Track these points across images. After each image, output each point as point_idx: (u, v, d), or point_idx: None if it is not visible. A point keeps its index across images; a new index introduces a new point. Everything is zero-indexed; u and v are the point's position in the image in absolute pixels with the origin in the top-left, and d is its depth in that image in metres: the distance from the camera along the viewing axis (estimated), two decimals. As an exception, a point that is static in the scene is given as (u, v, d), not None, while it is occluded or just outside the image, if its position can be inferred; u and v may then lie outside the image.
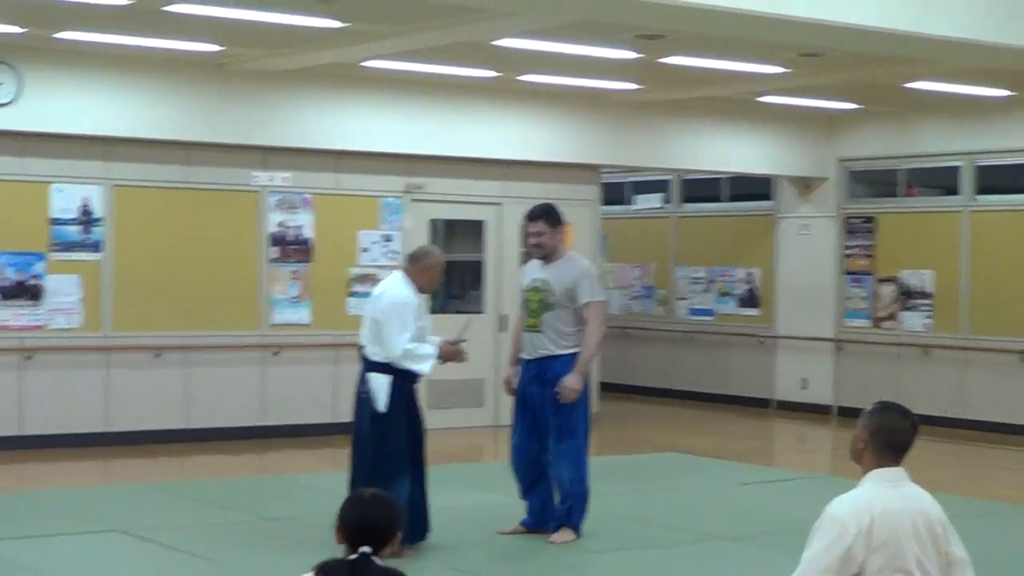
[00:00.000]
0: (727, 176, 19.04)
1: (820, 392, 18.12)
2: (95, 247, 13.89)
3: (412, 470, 9.07)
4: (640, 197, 20.42)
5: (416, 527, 9.00)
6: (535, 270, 9.67)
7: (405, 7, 10.70)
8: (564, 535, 9.39)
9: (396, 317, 8.97)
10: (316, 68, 13.97)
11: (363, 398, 9.15)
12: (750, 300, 18.97)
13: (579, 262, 9.74)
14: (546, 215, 9.62)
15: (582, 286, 9.45)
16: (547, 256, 9.57)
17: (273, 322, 14.76)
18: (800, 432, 17.31)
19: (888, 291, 17.50)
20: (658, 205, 20.14)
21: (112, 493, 11.64)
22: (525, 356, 9.63)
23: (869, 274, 17.75)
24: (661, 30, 11.41)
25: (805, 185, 18.36)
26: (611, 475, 12.79)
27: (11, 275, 13.49)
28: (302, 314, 14.85)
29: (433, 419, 15.26)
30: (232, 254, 14.60)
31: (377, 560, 4.28)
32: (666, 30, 11.40)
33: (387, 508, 4.39)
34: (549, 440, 9.48)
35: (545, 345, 9.48)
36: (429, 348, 9.09)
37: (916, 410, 16.32)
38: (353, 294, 15.13)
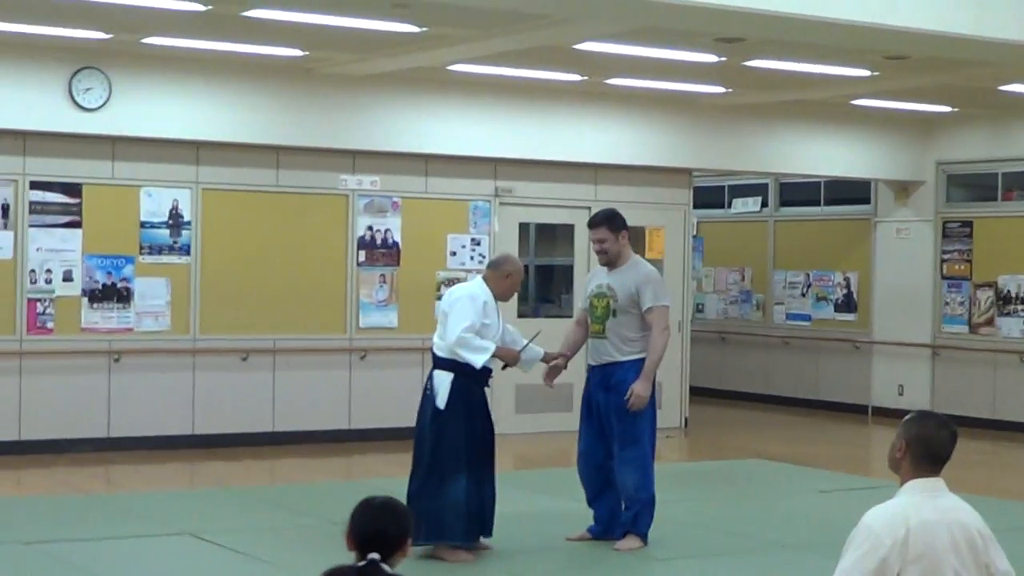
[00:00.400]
0: (825, 180, 18.85)
1: (917, 399, 17.85)
2: (184, 250, 14.03)
3: (473, 469, 9.06)
4: (738, 201, 20.28)
5: (472, 525, 9.03)
6: (600, 276, 9.63)
7: (480, 12, 10.68)
8: (630, 542, 9.34)
9: (461, 308, 9.09)
10: (403, 72, 14.00)
11: (427, 395, 9.24)
12: (847, 305, 18.76)
13: (643, 267, 9.70)
14: (607, 221, 9.58)
15: (645, 291, 9.40)
16: (611, 262, 9.53)
17: (361, 326, 14.82)
18: (888, 439, 16.99)
19: (985, 296, 17.24)
20: (756, 209, 19.99)
21: (192, 497, 11.74)
22: (590, 362, 9.61)
23: (967, 279, 17.48)
24: (740, 34, 11.32)
25: (902, 189, 18.13)
26: (689, 481, 12.75)
27: (101, 278, 13.66)
28: (390, 318, 14.90)
29: (522, 423, 15.45)
30: (320, 258, 14.69)
31: (386, 567, 4.26)
32: (745, 34, 11.31)
33: (397, 515, 4.37)
34: (614, 448, 9.43)
35: (609, 352, 9.44)
36: (488, 343, 9.08)
37: (1012, 418, 16.16)
38: (441, 298, 15.07)
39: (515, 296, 15.33)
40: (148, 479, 12.68)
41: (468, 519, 8.99)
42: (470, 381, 9.16)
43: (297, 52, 13.10)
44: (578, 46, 12.31)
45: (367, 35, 12.02)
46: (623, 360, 9.43)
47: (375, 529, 4.30)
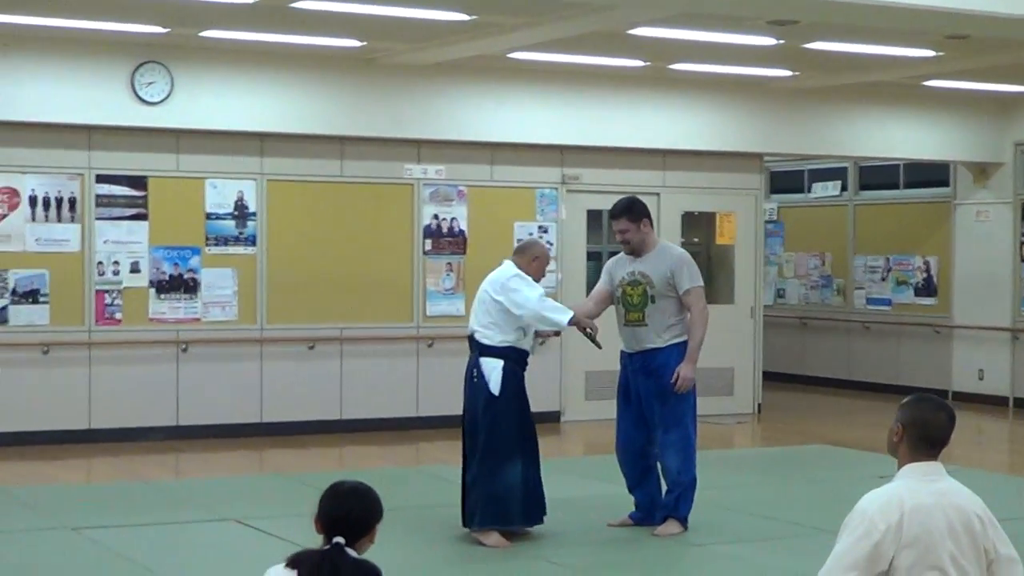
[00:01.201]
0: (904, 163, 18.64)
1: (997, 383, 17.66)
2: (250, 241, 14.15)
3: (526, 453, 9.16)
4: (818, 185, 20.11)
5: (531, 510, 9.16)
6: (628, 263, 9.55)
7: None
8: (670, 527, 9.32)
9: (521, 282, 9.18)
10: (465, 60, 14.03)
11: (475, 383, 9.23)
12: (927, 289, 18.55)
13: (673, 250, 9.71)
14: (627, 211, 9.50)
15: (681, 273, 9.37)
16: (636, 251, 9.47)
17: (428, 314, 14.88)
18: (973, 424, 16.86)
19: (1065, 279, 17.00)
20: (835, 193, 19.81)
21: (250, 483, 11.86)
22: (627, 350, 9.56)
23: (1048, 261, 17.25)
24: (789, 17, 11.24)
25: (981, 171, 17.89)
26: (746, 467, 12.72)
27: (168, 269, 13.82)
28: (456, 306, 14.93)
29: (591, 410, 15.40)
30: (386, 247, 14.76)
31: (351, 552, 4.29)
32: (795, 17, 11.23)
33: (365, 500, 4.41)
34: (656, 431, 9.40)
35: (650, 338, 9.39)
36: (565, 308, 9.31)
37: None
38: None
39: (584, 285, 15.58)
40: (214, 467, 12.82)
41: (525, 502, 9.10)
42: (517, 366, 9.26)
43: (355, 43, 13.17)
44: (632, 31, 12.27)
45: (420, 24, 12.07)
46: (664, 345, 9.40)
47: (342, 513, 4.34)
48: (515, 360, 9.25)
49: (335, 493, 4.41)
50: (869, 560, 4.76)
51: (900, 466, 5.04)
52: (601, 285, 9.85)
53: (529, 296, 9.12)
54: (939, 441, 5.06)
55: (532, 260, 9.40)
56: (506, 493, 9.03)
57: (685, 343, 9.41)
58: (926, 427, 5.03)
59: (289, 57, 13.82)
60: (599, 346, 9.31)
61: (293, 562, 4.29)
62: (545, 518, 9.29)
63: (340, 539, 4.29)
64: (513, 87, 14.93)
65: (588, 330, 9.21)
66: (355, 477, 11.55)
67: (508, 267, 9.37)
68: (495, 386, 9.13)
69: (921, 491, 4.89)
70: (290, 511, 10.10)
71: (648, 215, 9.61)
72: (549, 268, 14.96)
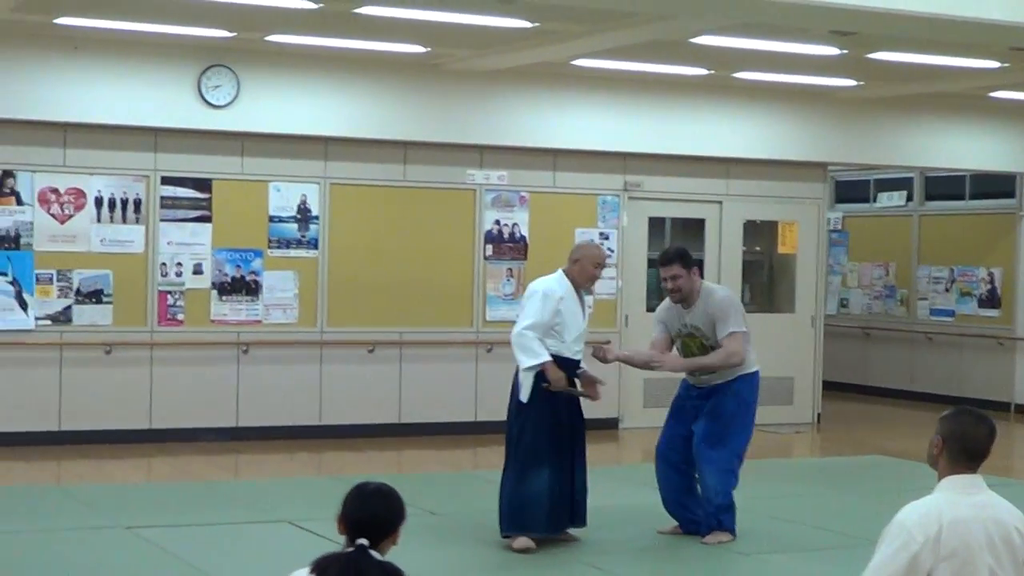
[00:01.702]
0: (970, 174, 18.54)
1: (1061, 396, 17.56)
2: (312, 244, 14.26)
3: (558, 461, 9.09)
4: (883, 195, 20.02)
5: (557, 517, 9.10)
6: (679, 314, 9.50)
7: (582, 9, 10.73)
8: (718, 536, 9.32)
9: (532, 304, 9.18)
10: (527, 67, 14.09)
11: (514, 389, 9.28)
12: (990, 300, 18.45)
13: (716, 294, 9.55)
14: (680, 258, 9.44)
15: (721, 318, 9.30)
16: (685, 299, 9.42)
17: (488, 319, 14.94)
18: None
19: None
20: (901, 203, 19.73)
21: (307, 485, 11.93)
22: (691, 383, 9.56)
23: (1111, 274, 17.11)
24: (848, 28, 11.23)
25: (1047, 182, 17.78)
26: (800, 477, 12.71)
27: (230, 271, 13.95)
28: (516, 311, 14.89)
29: (650, 418, 15.33)
30: (447, 251, 14.83)
31: (375, 554, 4.30)
32: (853, 28, 11.21)
33: (389, 502, 4.42)
34: (700, 445, 9.34)
35: (713, 380, 9.44)
36: (543, 352, 9.08)
37: None
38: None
39: (644, 292, 15.60)
40: (272, 469, 12.91)
41: (551, 511, 9.04)
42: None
43: (419, 48, 13.25)
44: (694, 40, 12.28)
45: (482, 31, 12.15)
46: (731, 379, 9.41)
47: (367, 515, 4.34)
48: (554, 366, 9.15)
49: (360, 494, 4.42)
50: (907, 572, 4.77)
51: (940, 478, 5.04)
52: (657, 333, 9.73)
53: (518, 324, 9.21)
54: (979, 454, 5.05)
55: (573, 263, 9.36)
56: (530, 500, 9.05)
57: (749, 375, 9.39)
58: (966, 440, 5.03)
59: (353, 62, 13.91)
60: (586, 396, 9.39)
61: (318, 566, 4.27)
62: (578, 527, 9.28)
63: (364, 541, 4.29)
64: (576, 94, 14.97)
65: (550, 386, 9.05)
66: (412, 482, 11.67)
67: (551, 278, 9.41)
68: (525, 393, 9.12)
69: (960, 504, 4.89)
70: (342, 513, 10.20)
71: (695, 264, 9.60)
72: (609, 275, 15.34)
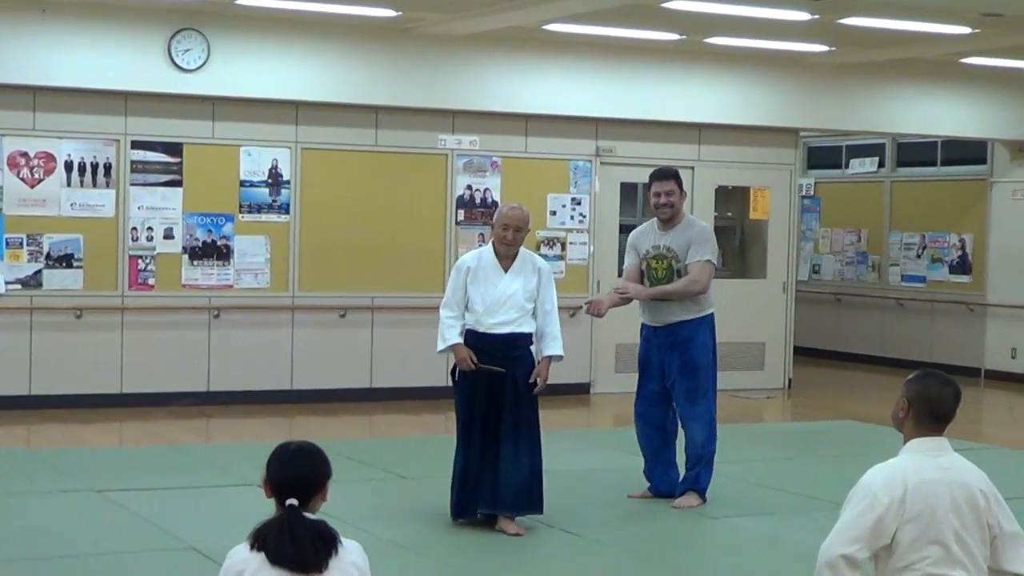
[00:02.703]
0: (942, 140, 18.58)
1: (1030, 362, 17.65)
2: (283, 209, 14.24)
3: (475, 444, 8.67)
4: (855, 161, 20.06)
5: (463, 502, 8.73)
6: (653, 236, 9.57)
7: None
8: (689, 499, 9.38)
9: (449, 279, 8.95)
10: (500, 32, 14.06)
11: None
12: (961, 267, 18.51)
13: (698, 224, 9.74)
14: (677, 177, 9.58)
15: (698, 243, 9.38)
16: (671, 219, 9.49)
17: (461, 284, 14.92)
18: (1005, 403, 16.86)
19: (1100, 258, 16.93)
20: (872, 169, 19.76)
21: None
22: (650, 323, 9.58)
23: (1082, 240, 17.19)
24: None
25: (1018, 149, 17.81)
26: (771, 442, 12.76)
27: (201, 235, 13.92)
28: (488, 276, 14.95)
29: (621, 383, 15.37)
30: (419, 216, 14.81)
31: (307, 514, 4.29)
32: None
33: (313, 459, 4.40)
34: (680, 404, 9.44)
35: (674, 312, 9.43)
36: (450, 335, 8.73)
37: None
38: (541, 257, 15.19)
39: (617, 257, 15.58)
40: (243, 433, 12.89)
41: (459, 495, 8.73)
42: (477, 352, 8.69)
43: (390, 12, 13.21)
44: (666, 4, 12.27)
45: (454, -5, 12.12)
46: (690, 319, 9.44)
47: (292, 475, 4.33)
48: (475, 347, 8.70)
49: (282, 455, 4.40)
50: (872, 533, 4.82)
51: (905, 441, 5.09)
52: (629, 261, 9.83)
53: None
54: (944, 417, 5.11)
55: (492, 227, 9.04)
56: (452, 482, 8.81)
57: (709, 316, 9.46)
58: (931, 403, 5.08)
59: (325, 26, 13.87)
60: (497, 371, 8.66)
61: (256, 537, 4.26)
62: (504, 513, 8.66)
63: (293, 501, 4.28)
64: (548, 59, 14.94)
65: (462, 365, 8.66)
66: (384, 446, 11.64)
67: (478, 249, 9.17)
68: (453, 373, 8.88)
69: (925, 466, 4.94)
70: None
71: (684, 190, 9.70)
72: (581, 240, 15.35)
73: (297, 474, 4.33)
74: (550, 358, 8.79)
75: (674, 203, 9.48)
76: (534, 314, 8.79)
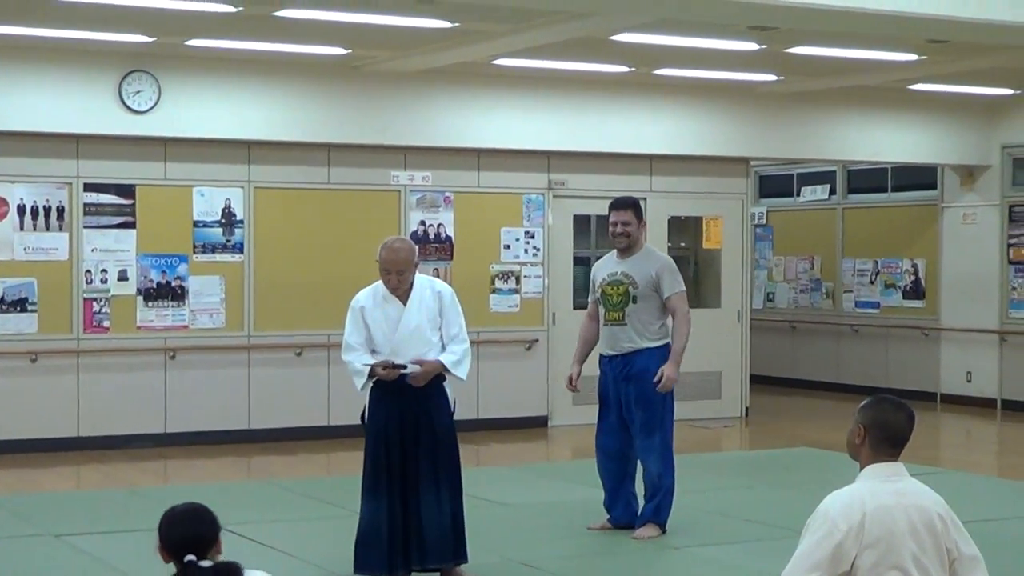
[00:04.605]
0: (892, 166, 18.71)
1: (985, 385, 17.74)
2: (237, 248, 14.22)
3: (381, 495, 7.99)
4: (807, 189, 20.17)
5: (368, 556, 8.03)
6: (611, 265, 9.63)
7: (501, 8, 10.77)
8: (648, 531, 9.38)
9: (346, 323, 8.32)
10: (451, 68, 14.09)
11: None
12: (915, 292, 18.63)
13: (659, 254, 9.80)
14: (635, 206, 9.63)
15: (664, 278, 9.44)
16: (628, 248, 9.54)
17: (415, 320, 14.91)
18: (961, 427, 16.94)
19: (1052, 281, 17.07)
20: (824, 197, 19.88)
21: (237, 490, 11.88)
22: (607, 352, 9.60)
23: (1033, 264, 17.33)
24: (765, 23, 11.32)
25: (968, 174, 17.95)
26: (730, 470, 12.79)
27: (155, 277, 13.89)
28: (443, 312, 14.94)
29: (579, 415, 15.38)
30: (373, 253, 14.65)
31: (204, 563, 4.34)
32: (770, 23, 11.31)
33: (203, 519, 4.47)
34: (636, 436, 9.46)
35: (631, 338, 9.45)
36: (360, 368, 8.05)
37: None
38: (496, 291, 15.29)
39: (571, 290, 15.63)
40: (202, 474, 12.87)
41: (362, 548, 8.05)
42: (379, 390, 8.10)
43: (340, 51, 13.24)
44: (615, 37, 12.34)
45: (402, 32, 12.15)
46: (646, 347, 9.46)
47: (185, 536, 4.38)
48: (378, 382, 8.09)
49: (173, 518, 4.47)
50: (831, 560, 4.81)
51: (862, 467, 5.09)
52: (591, 297, 9.89)
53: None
54: (900, 441, 5.11)
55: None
56: (363, 536, 8.11)
57: (666, 347, 9.48)
58: (887, 427, 5.08)
59: (275, 65, 13.89)
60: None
61: None
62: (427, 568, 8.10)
63: (191, 556, 4.33)
64: (499, 93, 15.00)
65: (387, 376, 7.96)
66: (341, 484, 11.57)
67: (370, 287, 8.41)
68: (363, 414, 8.24)
69: (883, 491, 4.94)
70: (276, 517, 10.21)
71: (644, 220, 9.76)
72: (535, 273, 15.38)
73: (190, 534, 4.39)
74: (442, 363, 8.05)
75: (631, 232, 9.52)
76: (444, 347, 8.14)
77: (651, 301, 9.47)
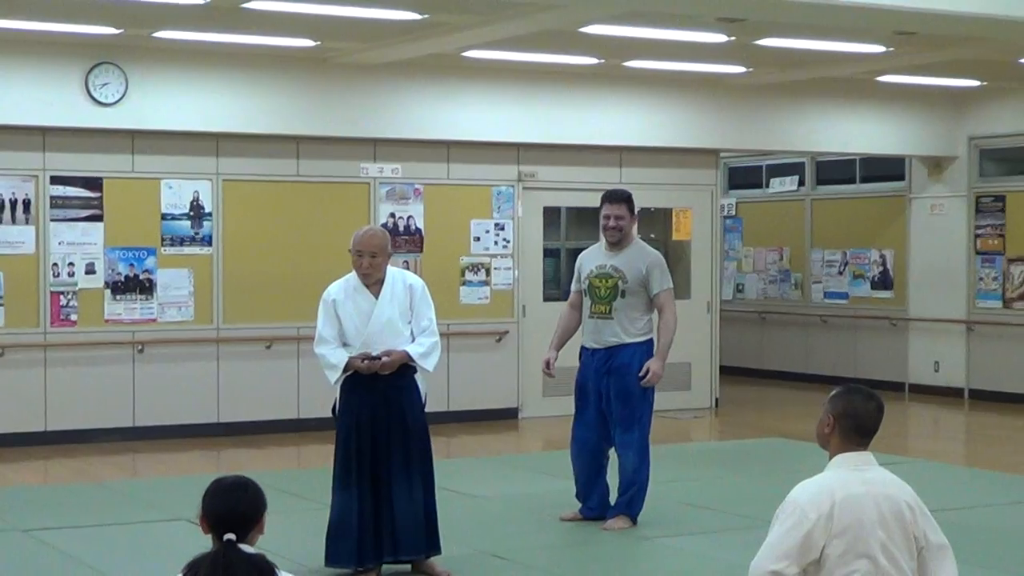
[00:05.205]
0: (860, 157, 18.77)
1: (952, 375, 17.81)
2: (206, 241, 14.18)
3: (351, 486, 8.03)
4: (776, 180, 20.21)
5: (339, 548, 8.06)
6: (600, 256, 9.62)
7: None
8: (619, 522, 9.40)
9: (318, 315, 8.26)
10: (421, 59, 14.07)
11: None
12: (883, 282, 18.69)
13: (650, 250, 9.78)
14: (629, 200, 9.64)
15: (654, 274, 9.45)
16: (619, 242, 9.53)
17: (385, 312, 14.90)
18: (929, 416, 17.00)
19: (1019, 271, 17.11)
20: (793, 188, 19.92)
21: (205, 483, 11.83)
22: (590, 345, 9.58)
23: (1000, 254, 17.36)
24: (735, 15, 11.33)
25: (935, 165, 18.01)
26: (700, 461, 12.82)
27: (123, 270, 13.83)
28: (413, 304, 14.93)
29: (549, 407, 15.43)
30: (342, 245, 14.61)
31: (244, 547, 4.27)
32: (741, 15, 11.31)
33: (249, 493, 4.39)
34: (615, 430, 9.45)
35: (616, 333, 9.45)
36: (335, 362, 8.05)
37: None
38: (466, 283, 15.27)
39: (541, 282, 15.64)
40: (171, 467, 12.81)
41: (333, 540, 8.09)
42: (351, 381, 8.13)
43: (309, 42, 13.21)
44: (584, 29, 12.32)
45: (372, 24, 12.12)
46: (630, 342, 9.46)
47: (228, 510, 4.30)
48: (352, 379, 8.12)
49: (218, 490, 4.38)
50: (801, 549, 4.84)
51: (831, 456, 5.12)
52: (573, 287, 9.89)
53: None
54: (869, 431, 5.14)
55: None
56: (335, 528, 8.14)
57: (648, 342, 9.49)
58: (856, 417, 5.11)
59: (243, 57, 13.84)
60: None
61: (190, 568, 4.21)
62: (402, 558, 8.14)
63: (231, 535, 4.24)
64: (468, 85, 14.98)
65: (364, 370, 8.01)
66: (312, 476, 11.57)
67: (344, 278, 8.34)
68: (335, 406, 8.25)
69: (851, 481, 4.97)
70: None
71: (635, 213, 9.78)
72: (505, 265, 15.38)
73: (233, 509, 4.31)
74: (409, 354, 8.02)
75: (623, 227, 9.53)
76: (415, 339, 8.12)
77: (639, 296, 9.49)
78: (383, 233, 8.45)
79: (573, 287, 9.90)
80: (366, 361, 7.96)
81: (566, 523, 9.63)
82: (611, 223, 9.57)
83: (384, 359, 7.96)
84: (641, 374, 9.34)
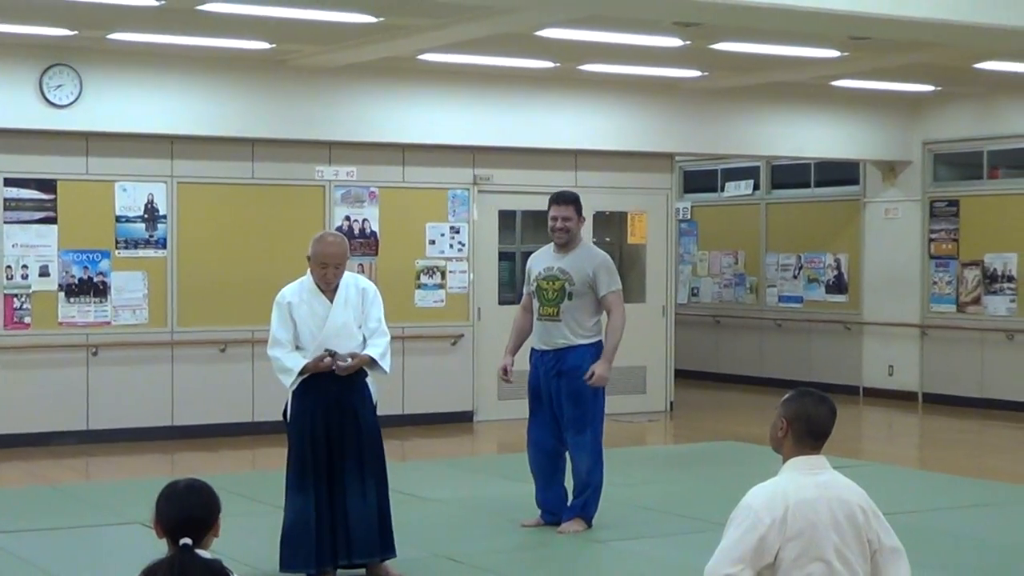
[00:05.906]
0: (814, 162, 18.85)
1: (906, 379, 17.90)
2: (160, 244, 14.12)
3: (307, 489, 7.97)
4: (730, 184, 20.27)
5: (295, 553, 7.99)
6: (548, 258, 9.63)
7: (431, 1, 10.76)
8: (574, 525, 9.40)
9: (272, 318, 8.19)
10: (376, 62, 14.05)
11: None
12: (837, 286, 18.77)
13: (597, 251, 9.79)
14: (576, 201, 9.64)
15: (601, 276, 9.45)
16: (567, 244, 9.54)
17: (340, 315, 14.87)
18: (883, 419, 17.08)
19: (972, 275, 17.22)
20: (748, 192, 19.98)
21: (158, 486, 11.79)
22: (540, 347, 9.59)
23: (954, 258, 17.46)
24: (695, 19, 11.36)
25: (890, 169, 18.11)
26: (655, 465, 12.85)
27: (77, 272, 13.77)
28: (368, 307, 14.91)
29: (504, 410, 15.43)
30: (297, 249, 14.62)
31: (200, 552, 4.24)
32: (695, 19, 11.35)
33: (203, 497, 4.35)
34: (567, 433, 9.46)
35: (564, 335, 9.45)
36: (291, 365, 8.00)
37: (1000, 396, 16.29)
38: (421, 286, 15.27)
39: (496, 285, 15.65)
40: (125, 471, 12.76)
41: (288, 546, 8.01)
42: (305, 385, 8.06)
43: (264, 45, 13.18)
44: (540, 33, 12.34)
45: (328, 26, 12.10)
46: (578, 344, 9.45)
47: (182, 513, 4.28)
48: (306, 382, 8.07)
49: (172, 494, 4.34)
50: (755, 553, 4.84)
51: (785, 460, 5.13)
52: (525, 290, 9.89)
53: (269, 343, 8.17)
54: (822, 434, 5.15)
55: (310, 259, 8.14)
56: (290, 533, 8.08)
57: (598, 344, 9.49)
58: (809, 421, 5.12)
59: (198, 59, 13.80)
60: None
61: (145, 574, 4.18)
62: (363, 560, 8.10)
63: (187, 540, 4.21)
64: (424, 88, 14.97)
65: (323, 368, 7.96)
66: (267, 479, 11.52)
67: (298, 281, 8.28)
68: (286, 409, 8.20)
69: (805, 484, 4.98)
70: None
71: (583, 216, 9.77)
72: (460, 268, 15.38)
73: (187, 512, 4.28)
74: (371, 357, 8.03)
75: (570, 228, 9.54)
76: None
77: (586, 298, 9.48)
78: (344, 240, 8.39)
79: (525, 290, 9.92)
80: (329, 358, 7.91)
81: (523, 527, 9.60)
82: (558, 224, 9.58)
83: (351, 360, 7.94)
84: (586, 377, 9.34)
